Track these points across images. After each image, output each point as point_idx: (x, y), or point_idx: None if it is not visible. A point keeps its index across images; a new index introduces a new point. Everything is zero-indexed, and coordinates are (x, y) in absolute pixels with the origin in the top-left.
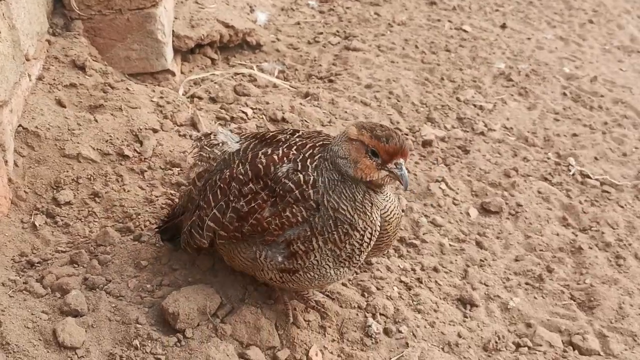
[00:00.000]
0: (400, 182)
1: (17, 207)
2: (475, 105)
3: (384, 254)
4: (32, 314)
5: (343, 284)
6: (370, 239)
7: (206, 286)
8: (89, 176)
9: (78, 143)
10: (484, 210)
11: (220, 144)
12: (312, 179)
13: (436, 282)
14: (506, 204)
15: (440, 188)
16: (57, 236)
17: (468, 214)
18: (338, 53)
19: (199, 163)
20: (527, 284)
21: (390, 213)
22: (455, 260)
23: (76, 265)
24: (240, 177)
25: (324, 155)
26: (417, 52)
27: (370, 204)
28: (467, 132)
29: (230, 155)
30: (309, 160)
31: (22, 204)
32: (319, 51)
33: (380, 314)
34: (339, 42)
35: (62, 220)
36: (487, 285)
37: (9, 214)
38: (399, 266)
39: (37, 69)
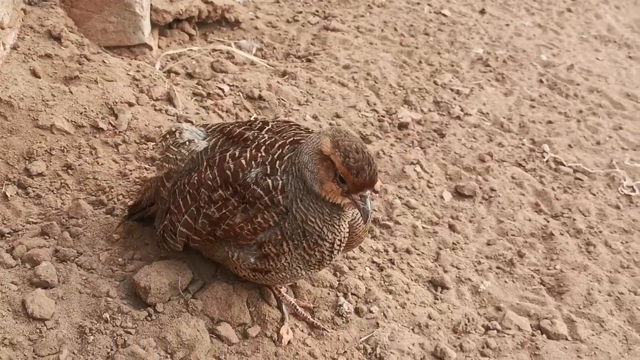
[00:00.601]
0: (362, 215)
1: None
2: (452, 90)
3: (353, 249)
4: (1, 285)
5: None
6: (340, 246)
7: (178, 261)
8: (62, 148)
9: (52, 114)
10: (458, 194)
11: (187, 143)
12: (280, 183)
13: (408, 263)
14: (480, 188)
15: (415, 170)
16: (28, 207)
17: (442, 197)
18: (317, 33)
19: (166, 165)
20: (498, 268)
21: (359, 219)
22: (428, 242)
23: (47, 237)
24: (209, 182)
25: (292, 158)
26: (395, 34)
27: (337, 217)
28: (444, 115)
29: (198, 154)
30: (277, 163)
31: None
32: (298, 30)
33: (352, 294)
34: (318, 22)
35: (33, 191)
36: (458, 268)
37: None
38: (371, 247)
39: (12, 38)
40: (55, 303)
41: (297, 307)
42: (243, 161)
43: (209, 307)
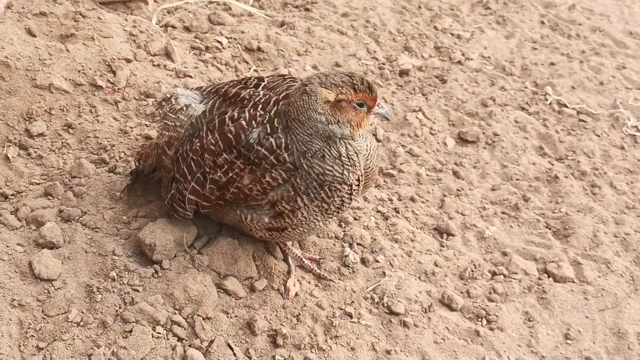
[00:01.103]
0: (388, 119)
1: None
2: (452, 34)
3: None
4: (7, 247)
5: None
6: (358, 186)
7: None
8: (62, 107)
9: (50, 73)
10: (461, 139)
11: (184, 108)
12: (283, 141)
13: (413, 211)
14: (483, 133)
15: (417, 118)
16: (30, 168)
17: (445, 143)
18: None
19: (165, 133)
20: (503, 213)
21: (372, 151)
22: (432, 190)
23: (51, 197)
24: (212, 147)
25: (289, 121)
26: None
27: (355, 154)
28: (445, 61)
29: (197, 119)
30: (276, 121)
31: None
32: None
33: (358, 244)
34: None
35: (35, 152)
36: (463, 215)
37: None
38: (375, 196)
39: None
40: (62, 263)
41: (304, 259)
42: (243, 122)
43: (215, 262)
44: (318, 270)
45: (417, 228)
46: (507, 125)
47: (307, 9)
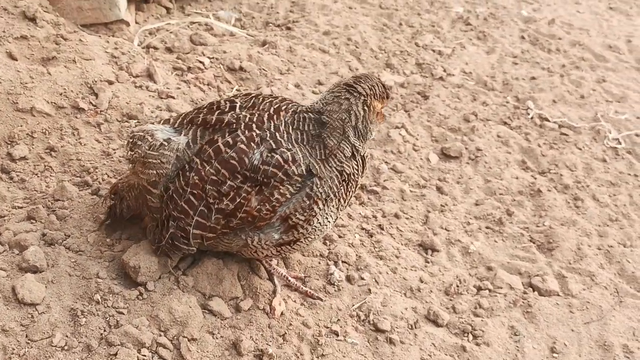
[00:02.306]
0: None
1: None
2: (434, 51)
3: None
4: None
5: None
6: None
7: None
8: (44, 130)
9: (31, 97)
10: (444, 155)
11: (166, 143)
12: (289, 155)
13: (397, 228)
14: (466, 148)
15: (400, 134)
16: (13, 192)
17: (428, 159)
18: (295, 0)
19: (150, 172)
20: (487, 227)
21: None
22: (416, 206)
23: (34, 221)
24: (214, 177)
25: (304, 123)
26: None
27: (362, 155)
28: (426, 77)
29: (183, 152)
30: (277, 135)
31: None
32: None
33: (343, 262)
34: None
35: (17, 175)
36: (448, 230)
37: None
38: (360, 213)
39: None
40: (46, 287)
41: (289, 277)
42: (243, 146)
43: (200, 282)
44: (305, 288)
45: (401, 244)
46: (489, 140)
47: (288, 28)
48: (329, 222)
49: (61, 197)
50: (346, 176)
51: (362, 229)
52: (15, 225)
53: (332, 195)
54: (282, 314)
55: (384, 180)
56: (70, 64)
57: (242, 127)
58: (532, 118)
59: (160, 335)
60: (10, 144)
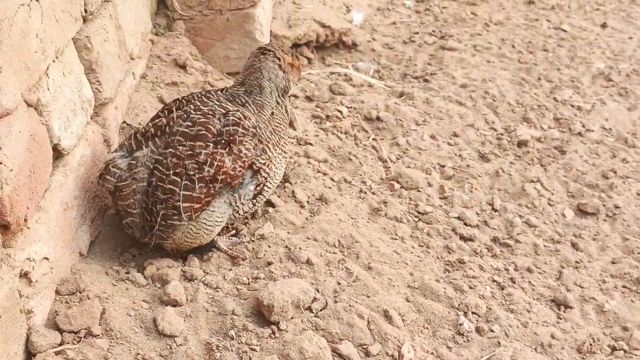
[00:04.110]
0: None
1: None
2: (572, 106)
3: None
4: (133, 303)
5: (436, 280)
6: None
7: (301, 280)
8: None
9: None
10: (580, 211)
11: (135, 162)
12: (240, 114)
13: (530, 282)
14: (603, 205)
15: (535, 188)
16: None
17: (564, 214)
18: (434, 52)
19: (128, 192)
20: (624, 286)
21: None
22: (550, 261)
23: (175, 258)
24: (190, 152)
25: (248, 93)
26: (513, 51)
27: (285, 109)
28: (564, 132)
29: (149, 157)
30: (223, 104)
31: None
32: (415, 51)
33: (473, 313)
34: (434, 42)
35: None
36: (582, 287)
37: (113, 207)
38: (491, 265)
39: (141, 67)
40: (184, 320)
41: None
42: (203, 119)
43: (330, 325)
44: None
45: (533, 299)
46: (628, 198)
47: (426, 80)
48: (281, 167)
49: None
50: (276, 125)
51: (494, 281)
52: (158, 261)
53: (273, 142)
54: None
55: (517, 234)
56: None
57: (193, 112)
58: None
59: None
60: None
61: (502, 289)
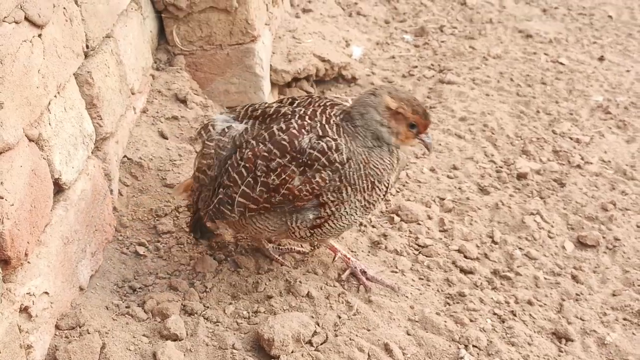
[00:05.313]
0: (428, 148)
1: (120, 235)
2: (571, 138)
3: None
4: (133, 337)
5: (436, 313)
6: (386, 192)
7: (301, 314)
8: (188, 206)
9: (179, 173)
10: (580, 243)
11: (226, 130)
12: (334, 144)
13: (530, 315)
14: (603, 237)
15: (535, 221)
16: (157, 263)
17: (564, 247)
18: (432, 86)
19: (207, 153)
20: (625, 319)
21: (404, 160)
22: (550, 293)
23: (175, 291)
24: (265, 154)
25: (346, 120)
26: (512, 85)
27: (396, 160)
28: (563, 165)
29: (239, 135)
30: (327, 127)
31: (126, 232)
32: (414, 84)
33: (473, 346)
34: (433, 76)
35: (162, 247)
36: (583, 320)
37: (113, 241)
38: (492, 298)
39: (142, 102)
40: (184, 355)
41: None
42: (294, 131)
43: (331, 359)
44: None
45: (534, 332)
46: (628, 230)
47: None
48: (355, 214)
49: (202, 269)
50: (367, 172)
51: (494, 314)
52: (158, 294)
53: (357, 186)
54: None
55: (517, 267)
56: None
57: (296, 117)
58: None
59: None
60: (157, 217)
61: (503, 321)
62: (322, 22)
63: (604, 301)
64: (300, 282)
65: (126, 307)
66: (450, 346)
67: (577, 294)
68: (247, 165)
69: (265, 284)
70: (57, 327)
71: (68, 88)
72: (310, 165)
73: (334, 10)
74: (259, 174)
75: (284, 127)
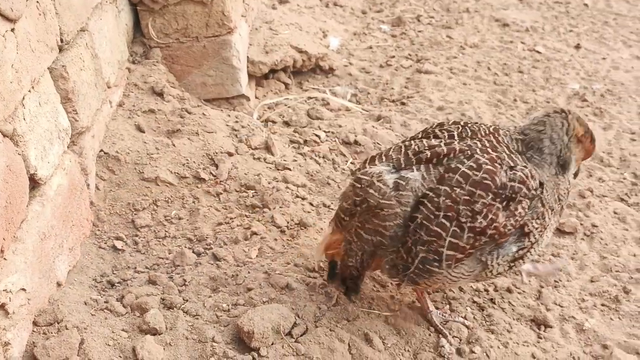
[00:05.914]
0: (576, 175)
1: (98, 229)
2: None
3: None
4: (112, 332)
5: (416, 302)
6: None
7: (281, 305)
8: (167, 199)
9: (156, 167)
10: (559, 231)
11: (404, 184)
12: (527, 171)
13: (509, 302)
14: (581, 224)
15: None
16: (135, 257)
17: None
18: (410, 76)
19: (393, 213)
20: (603, 305)
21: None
22: (529, 281)
23: (154, 285)
24: (467, 198)
25: (527, 146)
26: (489, 74)
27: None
28: None
29: (420, 186)
30: (513, 156)
31: (103, 226)
32: (391, 74)
33: (453, 336)
34: (410, 65)
35: (140, 241)
36: (561, 306)
37: (91, 236)
38: (471, 287)
39: (118, 95)
40: (164, 349)
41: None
42: (489, 167)
43: (311, 351)
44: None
45: (513, 319)
46: (605, 217)
47: (403, 103)
48: (548, 238)
49: (181, 263)
50: (558, 195)
51: (474, 302)
52: (137, 289)
53: (555, 210)
54: None
55: None
56: (193, 136)
57: (479, 152)
58: None
59: None
60: (135, 211)
61: (482, 309)
62: (299, 13)
63: (582, 287)
64: (279, 273)
65: (105, 302)
66: (430, 335)
67: (555, 281)
68: (448, 214)
69: (245, 276)
70: (34, 323)
71: (42, 82)
72: (513, 198)
73: (311, 1)
74: (463, 220)
75: (474, 165)
